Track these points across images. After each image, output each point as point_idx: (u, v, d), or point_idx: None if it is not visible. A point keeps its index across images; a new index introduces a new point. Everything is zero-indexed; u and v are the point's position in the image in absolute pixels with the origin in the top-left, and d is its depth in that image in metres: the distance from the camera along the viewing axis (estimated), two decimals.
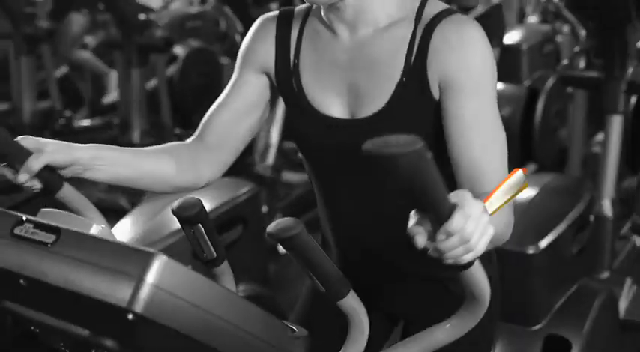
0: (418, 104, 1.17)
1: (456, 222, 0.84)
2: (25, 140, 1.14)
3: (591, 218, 2.30)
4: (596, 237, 2.58)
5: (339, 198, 1.29)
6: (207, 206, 2.17)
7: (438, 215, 0.85)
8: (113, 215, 3.64)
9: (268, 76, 1.29)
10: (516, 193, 0.94)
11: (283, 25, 1.28)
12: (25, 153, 1.13)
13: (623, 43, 2.62)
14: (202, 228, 1.10)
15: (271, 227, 0.96)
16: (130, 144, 3.82)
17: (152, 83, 4.49)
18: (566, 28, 4.84)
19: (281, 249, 3.25)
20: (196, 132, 1.32)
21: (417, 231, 0.88)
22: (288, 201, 3.56)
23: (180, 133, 4.40)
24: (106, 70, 4.90)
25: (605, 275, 2.70)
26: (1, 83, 4.61)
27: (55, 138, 1.22)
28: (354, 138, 1.12)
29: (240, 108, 1.30)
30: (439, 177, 0.79)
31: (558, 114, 3.89)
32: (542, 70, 3.97)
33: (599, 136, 3.68)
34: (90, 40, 5.03)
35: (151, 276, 0.79)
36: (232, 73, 1.33)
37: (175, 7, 5.05)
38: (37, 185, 1.14)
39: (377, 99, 1.18)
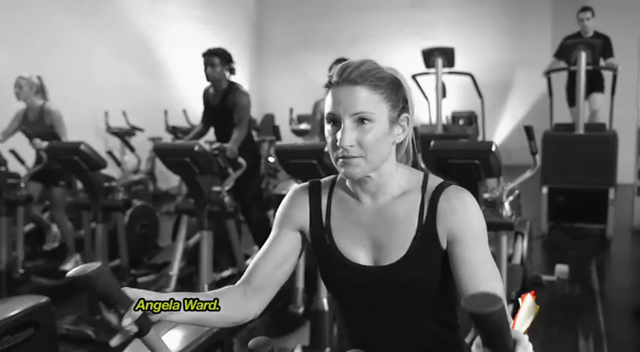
0: (430, 253, 1.19)
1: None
2: (125, 290, 1.09)
3: None
4: None
5: (361, 326, 1.27)
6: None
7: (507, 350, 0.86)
8: (80, 344, 3.36)
9: (302, 233, 1.30)
10: (534, 315, 0.94)
11: (315, 193, 1.31)
12: (129, 301, 1.08)
13: (475, 193, 2.79)
14: None
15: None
16: None
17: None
18: None
19: None
20: (244, 277, 1.30)
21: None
22: None
23: (135, 273, 4.17)
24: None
25: None
26: None
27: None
28: (378, 280, 1.20)
29: (279, 259, 1.30)
30: (507, 323, 0.82)
31: None
32: None
33: None
34: None
35: None
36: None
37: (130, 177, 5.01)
38: (134, 328, 1.09)
39: (397, 250, 1.19)
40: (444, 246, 1.19)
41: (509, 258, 3.67)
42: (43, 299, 2.48)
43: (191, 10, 8.85)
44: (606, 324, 3.42)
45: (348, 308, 1.28)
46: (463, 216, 1.16)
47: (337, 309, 1.31)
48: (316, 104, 3.93)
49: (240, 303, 1.26)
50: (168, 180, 7.79)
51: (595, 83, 5.75)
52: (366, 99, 1.13)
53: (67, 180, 4.42)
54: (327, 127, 1.18)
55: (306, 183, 1.33)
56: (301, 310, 3.25)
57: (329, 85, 1.17)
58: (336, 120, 1.16)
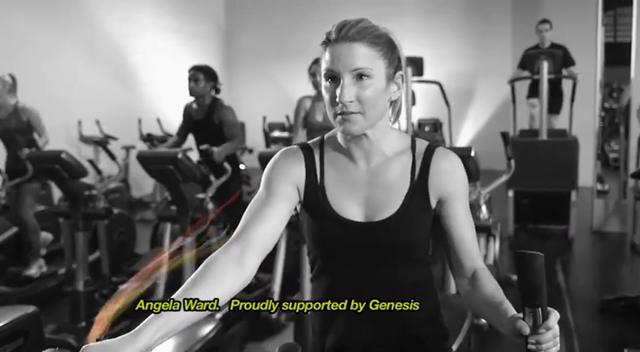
0: (420, 210, 1.23)
1: (553, 320, 0.95)
2: (90, 348, 0.94)
3: None
4: None
5: (347, 282, 1.25)
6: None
7: (544, 312, 0.94)
8: None
9: (298, 190, 1.27)
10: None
11: (308, 152, 1.29)
12: None
13: None
14: None
15: None
16: (76, 292, 3.51)
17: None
18: None
19: None
20: (239, 235, 1.18)
21: (523, 324, 0.97)
22: None
23: (116, 281, 4.10)
24: (44, 234, 4.56)
25: None
26: None
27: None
28: (369, 236, 1.23)
29: (281, 214, 1.23)
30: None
31: None
32: None
33: None
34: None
35: None
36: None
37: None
38: None
39: (389, 207, 1.22)
40: (433, 204, 1.25)
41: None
42: (31, 309, 2.42)
43: (161, 19, 8.76)
44: (575, 320, 3.52)
45: (331, 266, 1.26)
46: (454, 177, 1.25)
47: (318, 268, 1.28)
48: (300, 100, 3.95)
49: (236, 271, 1.13)
50: (142, 187, 7.67)
51: (554, 100, 5.86)
52: (365, 56, 1.14)
53: (40, 181, 4.33)
54: (325, 84, 1.18)
55: (295, 144, 1.31)
56: (275, 315, 3.21)
57: (327, 43, 1.17)
58: (334, 77, 1.16)
